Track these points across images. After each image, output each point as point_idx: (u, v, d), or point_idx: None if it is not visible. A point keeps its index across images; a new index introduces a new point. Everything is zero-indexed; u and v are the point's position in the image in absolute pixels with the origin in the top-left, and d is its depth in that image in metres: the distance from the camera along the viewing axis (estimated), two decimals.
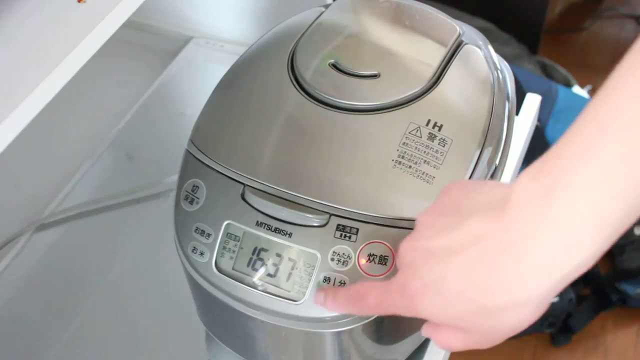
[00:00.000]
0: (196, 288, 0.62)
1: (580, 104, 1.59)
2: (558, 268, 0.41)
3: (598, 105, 0.40)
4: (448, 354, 0.72)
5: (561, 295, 1.45)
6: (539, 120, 1.39)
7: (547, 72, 1.75)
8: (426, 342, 0.70)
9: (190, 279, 0.62)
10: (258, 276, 0.58)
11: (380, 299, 0.51)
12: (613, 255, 1.57)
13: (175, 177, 0.63)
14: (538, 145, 1.39)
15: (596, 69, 1.96)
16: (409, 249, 0.48)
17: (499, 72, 0.66)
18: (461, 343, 0.48)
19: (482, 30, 1.80)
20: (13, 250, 0.89)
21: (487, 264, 0.43)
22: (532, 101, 0.82)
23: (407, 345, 0.66)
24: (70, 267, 0.89)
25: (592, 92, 1.74)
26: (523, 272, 0.42)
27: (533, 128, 0.82)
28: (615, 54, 1.99)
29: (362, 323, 0.58)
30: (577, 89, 1.69)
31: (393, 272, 0.56)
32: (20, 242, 0.90)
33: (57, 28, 0.55)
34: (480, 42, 0.68)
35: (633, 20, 2.09)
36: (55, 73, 0.52)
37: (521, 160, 0.78)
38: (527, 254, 0.42)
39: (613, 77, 0.40)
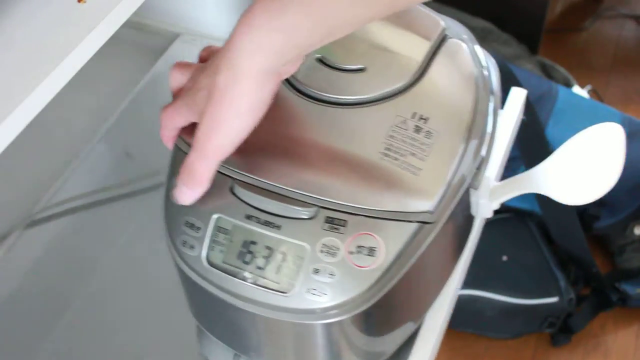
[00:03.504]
0: (187, 281, 0.63)
1: (580, 104, 1.59)
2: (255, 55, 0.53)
3: None
4: (437, 346, 0.72)
5: (561, 295, 1.45)
6: (531, 115, 1.39)
7: (547, 72, 1.75)
8: (415, 334, 0.70)
9: (181, 273, 0.62)
10: (248, 269, 0.59)
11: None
12: (613, 255, 1.57)
13: (162, 173, 0.63)
14: (537, 144, 1.40)
15: (596, 69, 1.96)
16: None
17: (483, 66, 0.67)
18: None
19: (482, 30, 1.82)
20: (3, 247, 0.89)
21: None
22: (517, 95, 0.83)
23: (396, 337, 0.67)
24: (62, 263, 0.89)
25: (592, 92, 1.75)
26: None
27: (519, 121, 0.82)
28: (616, 54, 1.99)
29: (351, 314, 0.59)
30: (577, 89, 1.69)
31: (382, 263, 0.57)
32: (11, 239, 0.90)
33: (57, 28, 0.56)
34: (465, 36, 0.68)
35: (633, 20, 2.09)
36: (55, 73, 0.53)
37: (507, 153, 0.79)
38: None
39: None
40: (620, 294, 1.51)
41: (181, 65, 0.62)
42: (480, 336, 1.51)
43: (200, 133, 0.57)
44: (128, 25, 1.12)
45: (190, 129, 0.61)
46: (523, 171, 0.66)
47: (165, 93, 1.06)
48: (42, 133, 0.95)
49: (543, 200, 1.44)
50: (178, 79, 0.62)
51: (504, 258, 1.51)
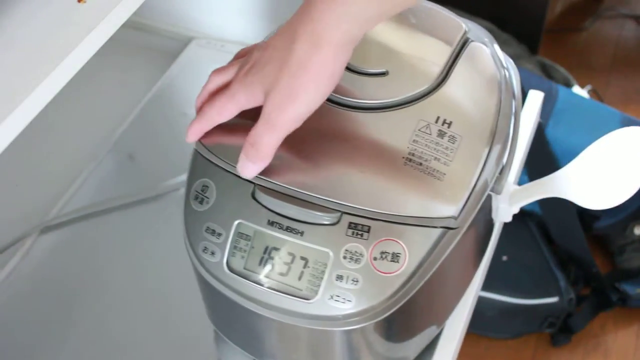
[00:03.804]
0: (207, 288, 0.62)
1: (580, 104, 1.59)
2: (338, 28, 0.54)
3: None
4: (459, 348, 0.72)
5: (561, 295, 1.45)
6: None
7: (547, 72, 1.75)
8: (436, 339, 0.70)
9: (201, 279, 0.62)
10: (270, 275, 0.58)
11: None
12: (613, 255, 1.57)
13: (179, 178, 0.63)
14: (539, 146, 1.40)
15: (596, 69, 1.96)
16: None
17: (504, 69, 0.66)
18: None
19: None
20: (19, 253, 0.89)
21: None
22: (535, 98, 0.82)
23: (419, 342, 0.67)
24: (75, 268, 0.89)
25: (592, 92, 1.75)
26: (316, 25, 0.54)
27: (536, 126, 0.82)
28: (615, 54, 2.00)
29: (375, 321, 0.58)
30: (577, 89, 1.69)
31: (406, 269, 0.56)
32: (26, 244, 0.90)
33: (57, 28, 0.55)
34: (486, 39, 0.68)
35: (633, 20, 2.09)
36: (56, 73, 0.52)
37: (524, 157, 0.78)
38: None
39: None
40: (620, 294, 1.51)
41: (219, 69, 0.62)
42: (480, 336, 1.50)
43: (272, 104, 0.56)
44: (141, 28, 1.12)
45: (211, 132, 0.61)
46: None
47: (180, 97, 1.06)
48: (56, 137, 0.95)
49: (543, 200, 1.44)
50: (217, 81, 0.61)
51: (504, 258, 1.50)
